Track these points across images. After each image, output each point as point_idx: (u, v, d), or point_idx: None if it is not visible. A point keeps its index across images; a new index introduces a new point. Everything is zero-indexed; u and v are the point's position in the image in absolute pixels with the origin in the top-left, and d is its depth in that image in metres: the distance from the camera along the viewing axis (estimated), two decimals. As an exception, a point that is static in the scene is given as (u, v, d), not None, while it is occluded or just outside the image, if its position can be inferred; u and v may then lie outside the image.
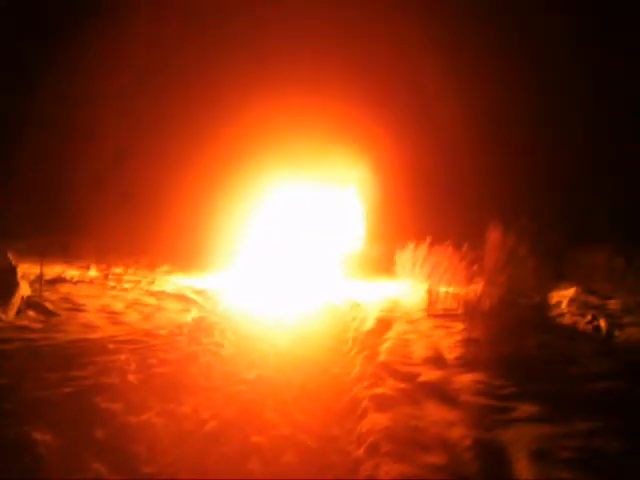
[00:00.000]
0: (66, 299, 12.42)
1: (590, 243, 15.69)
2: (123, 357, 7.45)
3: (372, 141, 22.61)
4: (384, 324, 10.61)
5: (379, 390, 6.53)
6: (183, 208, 21.73)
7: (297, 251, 19.14)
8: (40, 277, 13.13)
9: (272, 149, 21.51)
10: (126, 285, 15.49)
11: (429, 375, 7.20)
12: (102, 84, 24.56)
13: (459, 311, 10.93)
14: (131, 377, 6.56)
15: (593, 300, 12.88)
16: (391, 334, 9.82)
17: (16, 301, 10.71)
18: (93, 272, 17.09)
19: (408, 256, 16.80)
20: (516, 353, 7.85)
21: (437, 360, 8.01)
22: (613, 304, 12.53)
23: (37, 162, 23.38)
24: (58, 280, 15.02)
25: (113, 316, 11.23)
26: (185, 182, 22.76)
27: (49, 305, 11.40)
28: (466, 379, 6.94)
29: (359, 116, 23.05)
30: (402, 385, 6.74)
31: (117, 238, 20.40)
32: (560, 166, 22.94)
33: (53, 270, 15.96)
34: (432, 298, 12.49)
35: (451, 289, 12.73)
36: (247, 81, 24.49)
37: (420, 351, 8.55)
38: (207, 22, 26.93)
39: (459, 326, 9.61)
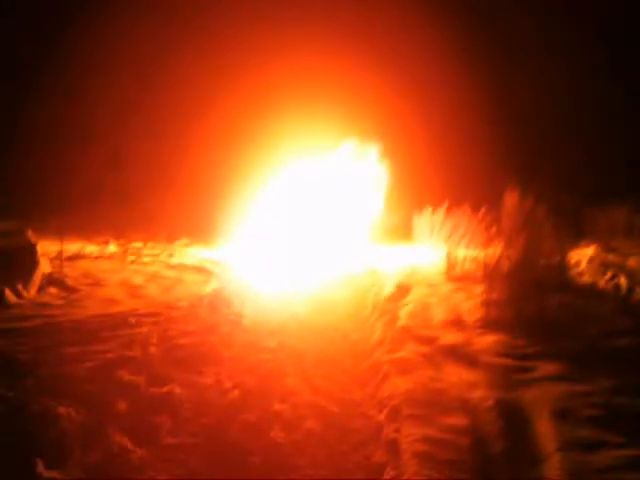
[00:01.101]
0: (86, 275, 12.50)
1: (609, 200, 15.49)
2: (144, 330, 7.50)
3: (389, 106, 22.41)
4: (403, 289, 10.57)
5: (399, 354, 6.54)
6: (200, 178, 21.71)
7: (315, 219, 19.06)
8: (60, 254, 13.20)
9: (286, 116, 21.37)
10: (145, 259, 15.53)
11: (449, 338, 7.21)
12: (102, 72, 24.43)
13: (478, 274, 10.87)
14: (153, 349, 6.61)
15: (613, 258, 12.74)
16: (410, 299, 9.80)
17: (37, 278, 10.81)
18: (112, 247, 17.10)
19: (426, 221, 16.71)
20: (536, 313, 7.82)
21: (457, 323, 8.01)
22: (633, 262, 12.39)
23: (48, 146, 23.46)
24: (78, 256, 15.10)
25: (133, 290, 11.28)
26: (200, 152, 22.71)
27: (69, 281, 11.49)
28: (487, 341, 6.94)
29: (375, 81, 22.81)
30: (422, 348, 6.75)
31: (135, 212, 20.43)
32: (577, 124, 22.64)
33: (72, 247, 15.99)
34: (451, 262, 12.41)
35: (470, 252, 12.65)
36: (255, 44, 24.18)
37: (440, 315, 8.55)
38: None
39: (479, 289, 9.56)
